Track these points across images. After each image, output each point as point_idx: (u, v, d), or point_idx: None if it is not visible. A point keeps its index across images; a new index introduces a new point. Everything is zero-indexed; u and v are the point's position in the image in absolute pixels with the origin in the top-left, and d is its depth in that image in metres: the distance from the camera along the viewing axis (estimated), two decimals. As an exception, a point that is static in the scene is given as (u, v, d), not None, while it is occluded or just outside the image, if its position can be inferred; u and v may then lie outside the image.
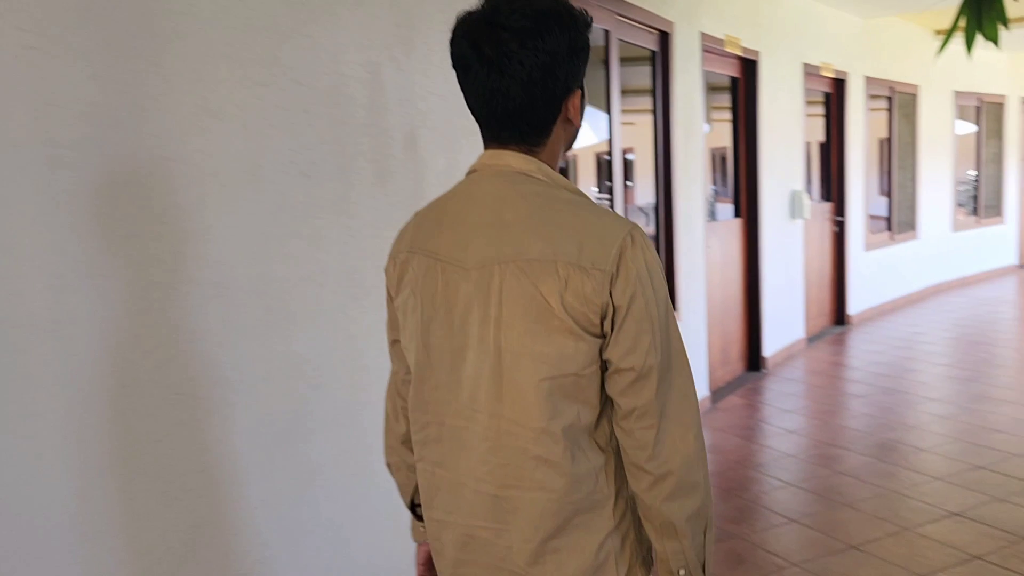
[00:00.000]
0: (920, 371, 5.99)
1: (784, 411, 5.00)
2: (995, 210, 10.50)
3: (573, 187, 1.19)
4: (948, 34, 3.98)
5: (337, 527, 2.30)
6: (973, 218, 10.14)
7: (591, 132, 4.42)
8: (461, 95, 1.19)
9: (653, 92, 4.77)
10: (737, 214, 5.97)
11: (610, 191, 4.31)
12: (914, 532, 3.25)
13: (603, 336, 1.11)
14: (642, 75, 4.79)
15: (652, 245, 1.17)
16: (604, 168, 4.41)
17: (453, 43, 1.16)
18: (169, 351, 1.82)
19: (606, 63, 4.19)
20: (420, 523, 1.38)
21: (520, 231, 1.11)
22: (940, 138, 9.31)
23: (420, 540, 1.42)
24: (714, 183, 5.98)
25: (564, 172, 7.22)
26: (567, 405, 1.11)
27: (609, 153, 4.30)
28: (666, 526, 1.14)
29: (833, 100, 7.39)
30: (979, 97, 10.04)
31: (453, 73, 1.18)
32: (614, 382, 1.12)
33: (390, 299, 1.27)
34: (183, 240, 1.85)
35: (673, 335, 1.14)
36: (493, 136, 1.18)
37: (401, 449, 1.37)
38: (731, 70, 5.69)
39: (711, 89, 5.61)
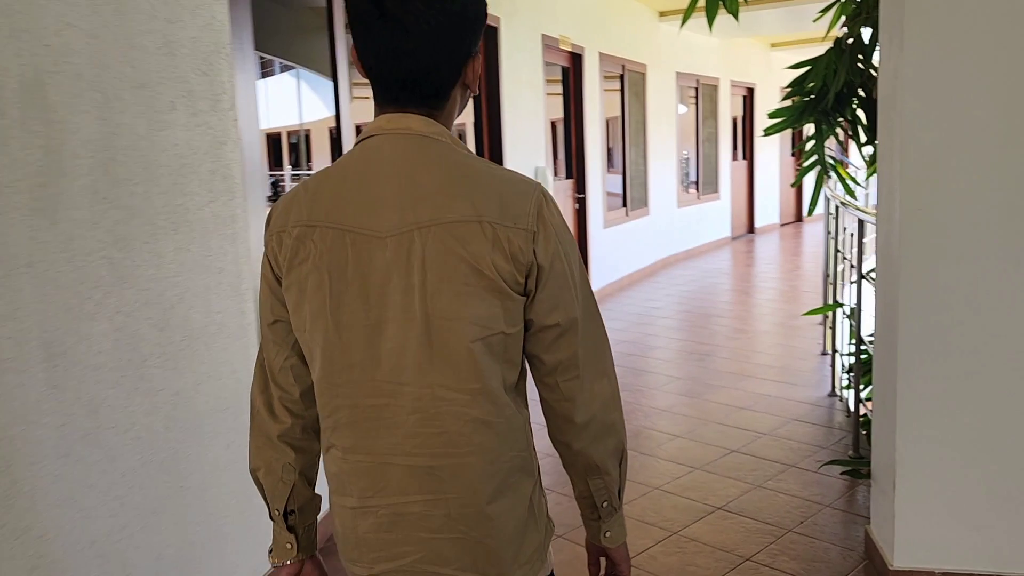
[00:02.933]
0: (663, 348, 6.04)
1: (534, 402, 4.70)
2: (712, 187, 11.23)
3: (470, 151, 1.16)
4: (688, 10, 3.84)
5: None
6: (694, 194, 10.74)
7: (324, 105, 3.82)
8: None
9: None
10: (482, 192, 5.60)
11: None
12: (682, 535, 3.02)
13: (526, 295, 1.10)
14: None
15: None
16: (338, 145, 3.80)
17: (350, 1, 1.10)
18: None
19: (330, 27, 3.55)
20: (290, 535, 1.24)
21: (436, 193, 1.08)
22: (666, 117, 9.67)
23: (282, 560, 1.25)
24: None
25: (295, 147, 6.30)
26: (497, 365, 1.11)
27: (338, 128, 3.67)
28: (591, 467, 1.20)
29: (571, 75, 7.27)
30: (697, 79, 10.61)
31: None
32: (539, 339, 1.14)
33: (272, 279, 1.16)
34: None
35: (587, 286, 1.17)
36: (391, 98, 1.13)
37: (276, 446, 1.22)
38: (471, 36, 5.26)
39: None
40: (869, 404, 3.70)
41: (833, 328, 4.76)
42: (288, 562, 1.26)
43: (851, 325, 4.13)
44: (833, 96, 3.72)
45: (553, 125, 7.16)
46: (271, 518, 1.25)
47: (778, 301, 7.75)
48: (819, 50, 3.97)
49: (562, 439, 1.20)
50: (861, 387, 3.68)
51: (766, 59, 12.75)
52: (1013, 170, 2.25)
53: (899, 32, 2.35)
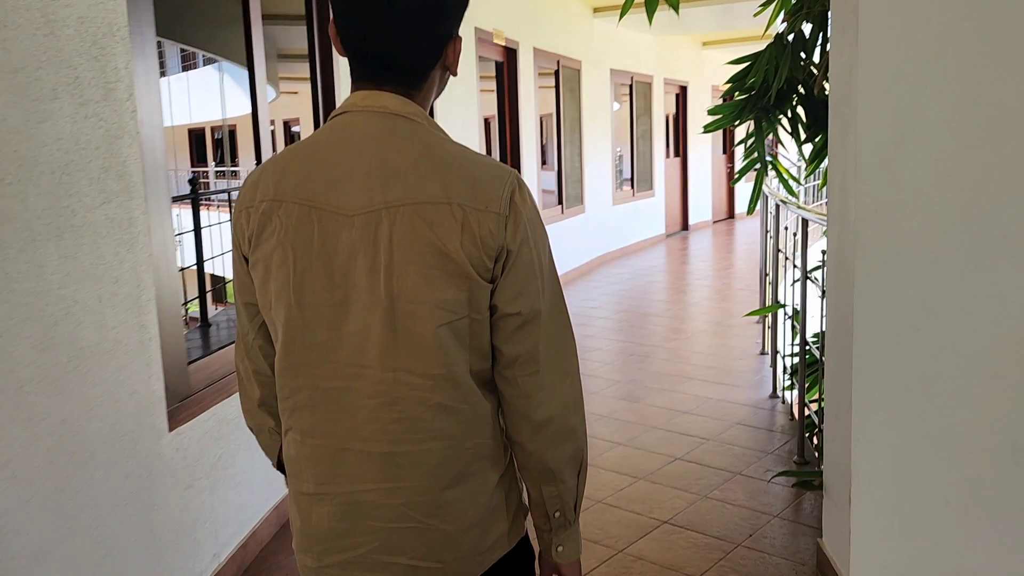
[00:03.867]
0: (601, 349, 5.91)
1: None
2: (647, 184, 11.20)
3: (446, 134, 1.13)
4: (627, 3, 3.70)
5: None
6: (629, 191, 10.68)
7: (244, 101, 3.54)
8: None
9: (311, 54, 3.96)
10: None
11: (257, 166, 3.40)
12: (628, 554, 2.87)
13: (493, 281, 1.07)
14: (304, 37, 3.98)
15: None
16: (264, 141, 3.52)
17: None
18: None
19: (245, 16, 3.28)
20: None
21: (407, 173, 1.05)
22: (601, 114, 9.58)
23: None
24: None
25: (220, 143, 5.94)
26: (463, 351, 1.08)
27: (255, 124, 3.39)
28: (545, 472, 1.15)
29: (505, 70, 7.09)
30: (631, 76, 10.55)
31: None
32: (500, 328, 1.10)
33: (240, 259, 1.14)
34: None
35: (555, 281, 1.14)
36: (369, 76, 1.10)
37: (260, 412, 1.26)
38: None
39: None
40: (812, 406, 3.62)
41: (774, 328, 4.69)
42: None
43: (793, 326, 4.05)
44: (775, 92, 3.62)
45: (487, 122, 6.97)
46: (274, 467, 1.32)
47: (714, 299, 7.72)
48: (751, 48, 3.89)
49: (516, 438, 1.15)
50: (806, 390, 3.59)
51: (698, 57, 12.81)
52: (973, 169, 2.15)
53: (853, 24, 2.22)
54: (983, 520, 2.31)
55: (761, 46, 3.73)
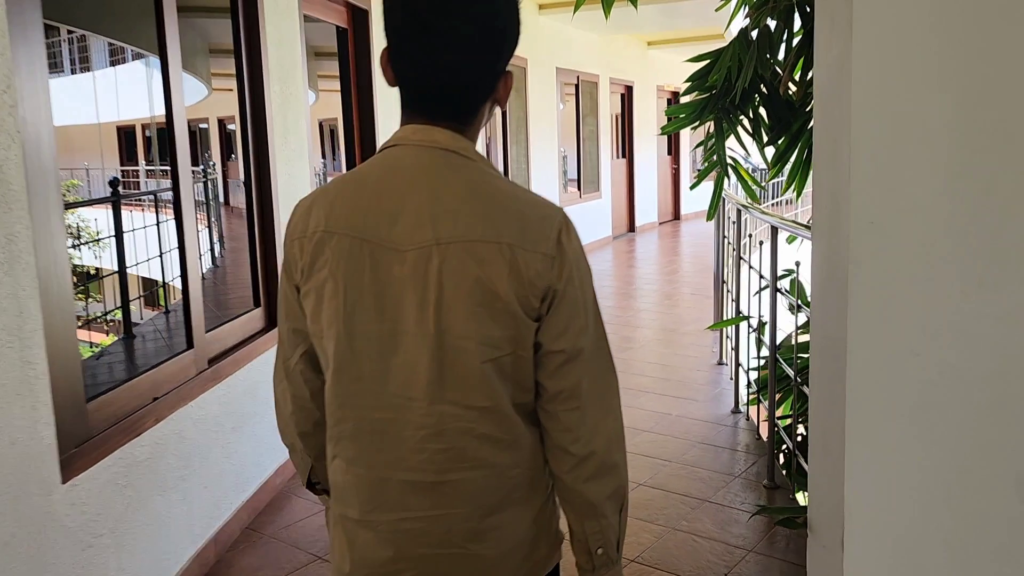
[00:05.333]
0: (552, 360, 5.64)
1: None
2: (594, 185, 11.01)
3: (496, 169, 1.15)
4: None
5: None
6: (576, 192, 10.47)
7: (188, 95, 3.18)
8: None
9: (235, 46, 3.60)
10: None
11: (172, 168, 3.03)
12: (594, 598, 2.59)
13: (539, 319, 1.10)
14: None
15: None
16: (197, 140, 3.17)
17: (388, 11, 1.10)
18: None
19: (157, 5, 2.91)
20: (324, 494, 1.30)
21: (458, 210, 1.07)
22: (547, 114, 9.34)
23: (326, 504, 1.31)
24: (325, 158, 5.12)
25: (150, 141, 5.48)
26: (507, 385, 1.10)
27: (169, 123, 3.03)
28: (586, 507, 1.16)
29: (449, 67, 6.79)
30: (578, 75, 10.34)
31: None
32: (544, 365, 1.12)
33: (290, 285, 1.16)
34: None
35: (599, 319, 1.15)
36: (421, 110, 1.12)
37: (292, 433, 1.27)
38: (337, 18, 4.68)
39: (318, 55, 4.73)
40: (780, 422, 3.42)
41: (736, 339, 4.48)
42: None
43: (758, 339, 3.85)
44: (739, 91, 3.41)
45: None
46: (304, 485, 1.33)
47: (664, 305, 7.55)
48: (696, 49, 3.69)
49: (558, 472, 1.16)
50: (774, 406, 3.38)
51: (644, 58, 12.69)
52: (980, 177, 1.93)
53: (845, 14, 1.99)
54: (985, 562, 2.10)
55: (710, 46, 3.52)
